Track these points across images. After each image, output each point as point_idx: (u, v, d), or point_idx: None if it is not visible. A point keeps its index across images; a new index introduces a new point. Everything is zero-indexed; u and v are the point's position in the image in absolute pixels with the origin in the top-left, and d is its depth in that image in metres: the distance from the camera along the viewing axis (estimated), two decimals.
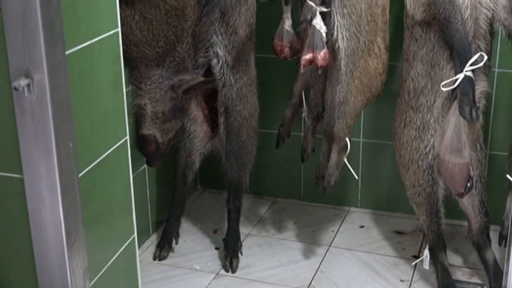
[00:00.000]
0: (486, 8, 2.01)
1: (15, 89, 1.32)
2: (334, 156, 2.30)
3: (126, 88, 1.73)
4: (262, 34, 2.43)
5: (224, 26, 2.24)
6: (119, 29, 1.65)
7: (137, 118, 2.23)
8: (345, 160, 2.32)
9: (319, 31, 2.11)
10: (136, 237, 1.81)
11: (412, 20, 2.09)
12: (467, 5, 1.98)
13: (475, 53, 1.99)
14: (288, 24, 2.29)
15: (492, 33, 2.08)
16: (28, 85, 1.31)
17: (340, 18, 2.13)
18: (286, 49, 2.32)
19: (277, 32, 2.31)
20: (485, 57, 2.00)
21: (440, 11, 1.98)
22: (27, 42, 1.30)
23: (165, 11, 2.02)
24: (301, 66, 2.15)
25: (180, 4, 2.03)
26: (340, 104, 2.21)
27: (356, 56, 2.16)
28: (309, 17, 2.12)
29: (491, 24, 2.05)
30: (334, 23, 2.14)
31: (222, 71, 2.30)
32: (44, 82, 1.31)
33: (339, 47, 2.15)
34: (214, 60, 2.29)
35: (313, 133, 2.50)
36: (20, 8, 1.29)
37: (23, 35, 1.30)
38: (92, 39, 1.53)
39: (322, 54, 2.12)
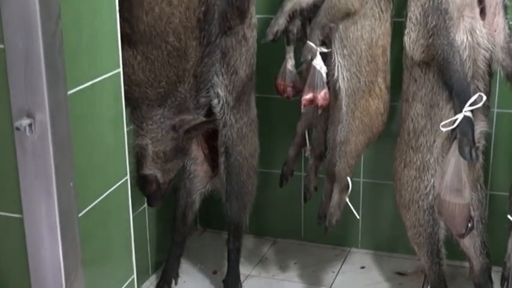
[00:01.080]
0: (484, 49, 2.03)
1: (17, 128, 1.32)
2: (335, 196, 2.30)
3: (127, 128, 1.74)
4: (264, 74, 2.45)
5: (225, 66, 2.26)
6: (121, 69, 1.66)
7: (138, 158, 2.23)
8: (347, 200, 2.32)
9: (319, 71, 2.13)
10: (135, 277, 1.80)
11: (411, 60, 2.11)
12: (465, 46, 2.00)
13: (474, 94, 2.01)
14: (290, 64, 2.31)
15: (491, 73, 2.10)
16: (30, 125, 1.32)
17: (341, 58, 2.16)
18: (289, 89, 2.33)
19: (280, 72, 2.33)
20: (484, 98, 2.02)
21: (439, 52, 2.00)
22: (30, 82, 1.31)
23: (167, 51, 2.04)
24: (302, 106, 2.17)
25: (182, 45, 2.05)
26: (342, 144, 2.22)
27: (357, 96, 2.18)
28: (309, 58, 2.14)
29: (489, 65, 2.07)
30: (335, 64, 2.17)
31: (222, 111, 2.32)
32: (46, 122, 1.32)
33: (339, 87, 2.18)
34: (215, 100, 2.30)
35: (315, 172, 2.50)
36: (23, 49, 1.31)
37: (26, 75, 1.31)
38: (94, 79, 1.54)
39: (322, 94, 2.14)
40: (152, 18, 2.00)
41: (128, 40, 2.00)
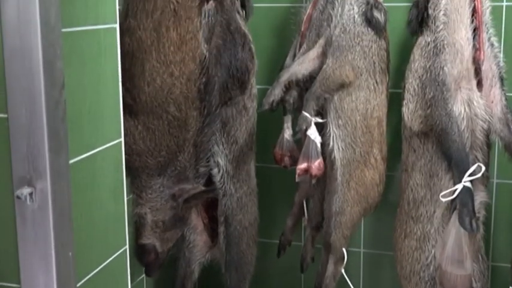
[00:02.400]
0: (482, 120, 2.05)
1: (18, 197, 1.32)
2: (330, 267, 2.28)
3: (126, 197, 1.74)
4: (263, 143, 2.46)
5: (225, 136, 2.27)
6: (122, 139, 1.67)
7: (137, 227, 2.22)
8: (343, 271, 2.29)
9: (313, 141, 2.15)
10: None
11: (410, 131, 2.13)
12: (463, 116, 2.03)
13: (473, 164, 2.01)
14: (288, 133, 2.33)
15: (489, 144, 2.11)
16: (30, 194, 1.32)
17: (336, 129, 2.18)
18: (286, 158, 2.34)
19: (278, 141, 2.35)
20: (483, 168, 2.03)
21: (437, 122, 2.02)
22: (32, 151, 1.32)
23: (168, 121, 2.06)
24: (297, 176, 2.18)
25: (183, 115, 2.07)
26: (337, 214, 2.22)
27: (352, 167, 2.19)
28: (304, 127, 2.16)
29: (487, 136, 2.08)
30: (330, 134, 2.19)
31: (222, 180, 2.32)
32: (47, 191, 1.32)
33: (335, 157, 2.19)
34: (215, 170, 2.31)
35: (312, 243, 2.49)
36: (26, 118, 1.32)
37: (28, 144, 1.32)
38: (95, 148, 1.55)
39: (316, 164, 2.15)
40: (154, 88, 2.02)
41: (129, 110, 2.02)
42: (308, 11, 2.30)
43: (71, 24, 1.48)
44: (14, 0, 1.28)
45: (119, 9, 1.73)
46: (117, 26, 1.68)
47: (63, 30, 1.38)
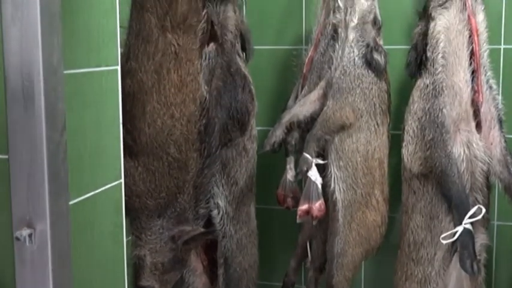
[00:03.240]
0: (481, 162, 2.05)
1: (17, 239, 1.32)
2: None
3: (126, 238, 1.73)
4: (264, 185, 2.46)
5: (225, 177, 2.27)
6: (122, 180, 1.67)
7: (136, 269, 2.20)
8: None
9: (314, 182, 2.15)
10: None
11: (410, 172, 2.13)
12: (462, 158, 2.03)
13: (473, 206, 2.01)
14: (290, 174, 2.34)
15: (489, 186, 2.11)
16: (30, 235, 1.32)
17: (337, 170, 2.18)
18: (289, 199, 2.34)
19: (281, 182, 2.35)
20: (484, 210, 2.02)
21: (437, 164, 2.03)
22: (32, 192, 1.32)
23: (168, 162, 2.06)
24: (298, 217, 2.18)
25: (183, 156, 2.08)
26: (338, 256, 2.21)
27: (353, 208, 2.19)
28: (305, 169, 2.17)
29: (487, 178, 2.09)
30: (331, 175, 2.19)
31: (222, 221, 2.31)
32: (46, 232, 1.32)
33: (336, 198, 2.19)
34: (215, 211, 2.30)
35: (315, 284, 2.47)
36: (26, 159, 1.32)
37: (29, 185, 1.32)
38: (95, 189, 1.55)
39: (317, 205, 2.15)
40: (154, 130, 2.03)
41: (129, 151, 2.03)
42: (309, 53, 2.33)
43: (73, 66, 1.49)
44: (17, 42, 1.29)
45: (121, 52, 1.75)
46: (119, 68, 1.70)
47: (65, 72, 1.39)
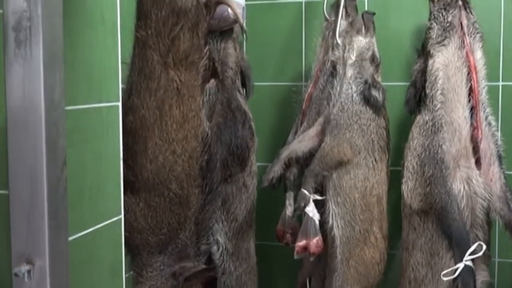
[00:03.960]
0: (482, 198, 2.05)
1: (16, 275, 1.31)
2: None
3: (126, 274, 1.72)
4: (264, 221, 2.46)
5: (225, 213, 2.27)
6: (122, 216, 1.67)
7: None
8: None
9: (312, 218, 2.15)
10: None
11: (410, 209, 2.13)
12: (462, 195, 2.03)
13: (474, 243, 2.01)
14: (290, 210, 2.33)
15: (489, 222, 2.11)
16: (29, 271, 1.31)
17: (335, 206, 2.18)
18: (288, 235, 2.34)
19: (280, 218, 2.35)
20: (484, 247, 2.02)
21: (437, 200, 2.02)
22: (32, 228, 1.32)
23: (170, 199, 2.06)
24: (295, 253, 2.17)
25: (184, 192, 2.08)
26: None
27: (351, 245, 2.18)
28: (303, 205, 2.17)
29: (487, 214, 2.08)
30: (329, 211, 2.19)
31: (221, 257, 2.30)
32: (45, 269, 1.31)
33: (334, 234, 2.19)
34: (214, 247, 2.29)
35: None
36: (26, 195, 1.32)
37: (28, 221, 1.32)
38: (95, 225, 1.55)
39: (315, 242, 2.14)
40: (156, 166, 2.03)
41: (130, 187, 2.03)
42: (309, 89, 2.35)
43: (75, 102, 1.51)
44: (19, 78, 1.30)
45: (123, 88, 1.77)
46: (120, 104, 1.71)
47: (67, 108, 1.41)
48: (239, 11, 2.11)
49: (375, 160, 2.19)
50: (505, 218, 2.05)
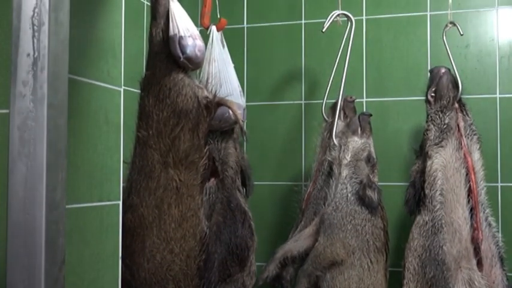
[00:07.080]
0: None
1: None
2: None
3: None
4: None
5: None
6: None
7: None
8: None
9: None
10: None
11: None
12: None
13: None
14: None
15: None
16: None
17: None
18: None
19: None
20: None
21: None
22: None
23: None
24: None
25: None
26: None
27: None
28: None
29: None
30: None
31: None
32: None
33: None
34: None
35: None
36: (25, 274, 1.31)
37: None
38: None
39: None
40: (153, 265, 2.02)
41: (128, 286, 2.00)
42: (308, 189, 2.36)
43: (76, 201, 1.51)
44: (22, 177, 1.31)
45: (123, 186, 1.78)
46: (121, 203, 1.72)
47: (67, 206, 1.41)
48: (240, 112, 2.14)
49: (370, 261, 2.16)
50: None
